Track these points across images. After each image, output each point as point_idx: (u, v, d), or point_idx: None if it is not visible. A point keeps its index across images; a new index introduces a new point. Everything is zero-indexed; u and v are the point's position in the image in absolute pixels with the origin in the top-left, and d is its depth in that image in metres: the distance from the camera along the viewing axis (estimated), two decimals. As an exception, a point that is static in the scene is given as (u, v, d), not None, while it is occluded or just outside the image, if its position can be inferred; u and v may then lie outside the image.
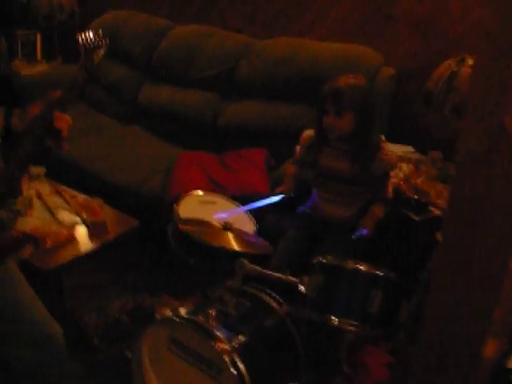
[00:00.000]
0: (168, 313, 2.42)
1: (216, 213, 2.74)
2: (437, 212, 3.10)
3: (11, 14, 5.26)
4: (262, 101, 4.09)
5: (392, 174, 3.13)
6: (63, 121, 1.91)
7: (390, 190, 3.06)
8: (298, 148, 3.19)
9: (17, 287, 2.20)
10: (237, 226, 2.56)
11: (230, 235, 2.43)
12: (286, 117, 3.95)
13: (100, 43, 2.06)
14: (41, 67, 5.27)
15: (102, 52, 2.07)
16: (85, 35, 2.04)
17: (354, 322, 2.28)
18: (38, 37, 5.38)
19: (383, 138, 3.31)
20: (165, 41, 4.66)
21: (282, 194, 3.02)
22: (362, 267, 2.34)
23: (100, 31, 2.08)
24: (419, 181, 3.31)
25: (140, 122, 4.66)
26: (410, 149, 3.67)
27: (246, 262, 2.38)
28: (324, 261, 2.36)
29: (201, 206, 2.93)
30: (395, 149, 3.44)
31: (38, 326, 2.22)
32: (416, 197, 3.12)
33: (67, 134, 1.92)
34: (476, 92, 1.45)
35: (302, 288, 2.36)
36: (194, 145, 4.20)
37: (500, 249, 1.55)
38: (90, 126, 4.46)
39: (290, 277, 2.42)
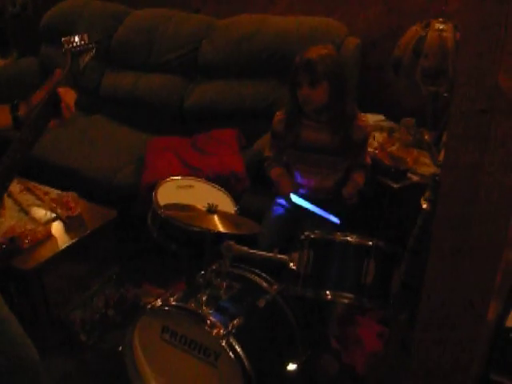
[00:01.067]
0: (158, 302, 2.37)
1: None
2: (415, 178, 3.11)
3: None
4: (227, 80, 4.04)
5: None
6: (70, 94, 1.98)
7: (367, 155, 3.04)
8: (267, 138, 3.15)
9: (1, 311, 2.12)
10: (218, 206, 2.52)
11: (216, 217, 2.38)
12: (254, 94, 3.90)
13: (86, 47, 2.07)
14: (-4, 63, 5.14)
15: (88, 57, 2.08)
16: (70, 40, 2.05)
17: (349, 295, 2.26)
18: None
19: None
20: (122, 26, 4.57)
21: (292, 193, 2.93)
22: (351, 239, 2.32)
23: (86, 35, 2.09)
24: (394, 148, 3.31)
25: (104, 111, 4.58)
26: (381, 117, 3.67)
27: (233, 243, 2.34)
28: (312, 236, 2.34)
29: (179, 191, 2.89)
30: (366, 118, 3.42)
31: (17, 347, 2.14)
32: (393, 164, 3.12)
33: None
34: (467, 53, 1.42)
35: (292, 265, 2.34)
36: (162, 130, 4.14)
37: (499, 212, 1.54)
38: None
39: (278, 255, 2.39)
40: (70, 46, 2.03)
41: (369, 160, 3.03)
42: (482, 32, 1.41)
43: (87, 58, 2.07)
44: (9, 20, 5.15)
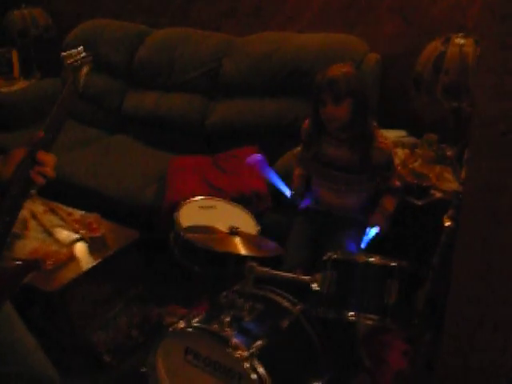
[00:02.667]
0: (180, 323, 2.37)
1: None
2: (438, 195, 3.08)
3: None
4: (248, 98, 4.05)
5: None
6: (48, 161, 1.86)
7: (396, 178, 3.02)
8: (289, 157, 3.18)
9: (14, 326, 2.13)
10: (240, 227, 2.51)
11: (238, 240, 2.38)
12: (275, 112, 3.91)
13: (84, 59, 2.04)
14: (19, 84, 5.19)
15: (86, 68, 2.04)
16: (69, 54, 2.02)
17: (372, 316, 2.25)
18: (15, 53, 5.30)
19: (374, 124, 3.29)
20: (143, 46, 4.61)
21: (292, 191, 2.98)
22: (373, 260, 2.31)
23: (81, 47, 2.06)
24: (416, 164, 3.29)
25: (127, 131, 4.62)
26: (402, 133, 3.65)
27: (255, 265, 2.34)
28: (335, 256, 2.33)
29: (201, 212, 2.89)
30: (388, 134, 3.41)
31: (34, 368, 2.15)
32: (416, 181, 3.10)
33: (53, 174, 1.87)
34: (486, 74, 1.41)
35: (315, 286, 2.32)
36: (184, 149, 4.16)
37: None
38: (76, 140, 4.40)
39: (301, 276, 2.38)
40: (71, 60, 2.00)
41: (398, 183, 3.00)
42: (502, 52, 1.40)
43: (86, 71, 2.04)
44: (32, 42, 5.22)
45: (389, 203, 2.95)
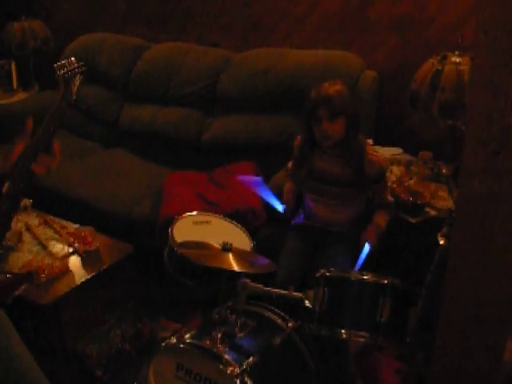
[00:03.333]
0: (172, 339, 2.37)
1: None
2: (433, 213, 3.08)
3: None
4: (245, 114, 4.05)
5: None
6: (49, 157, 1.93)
7: (388, 193, 3.02)
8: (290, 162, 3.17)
9: (9, 337, 2.12)
10: (234, 243, 2.51)
11: (231, 256, 2.38)
12: (271, 128, 3.91)
13: (76, 70, 2.05)
14: (18, 96, 5.20)
15: (78, 78, 2.06)
16: (61, 64, 2.03)
17: (364, 334, 2.24)
18: (13, 65, 5.31)
19: (370, 141, 3.30)
20: (141, 60, 4.63)
21: (284, 205, 2.99)
22: (366, 277, 2.30)
23: (73, 58, 2.07)
24: (412, 182, 3.29)
25: (123, 145, 4.62)
26: (398, 150, 3.65)
27: (248, 281, 2.33)
28: (327, 273, 2.33)
29: (196, 227, 2.88)
30: (384, 151, 3.42)
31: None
32: (411, 199, 3.10)
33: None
34: (477, 95, 1.42)
35: (307, 303, 2.32)
36: (180, 163, 4.16)
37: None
38: (72, 153, 4.39)
39: (294, 292, 2.38)
40: (63, 71, 2.02)
41: (390, 198, 3.01)
42: (494, 72, 1.40)
43: (78, 82, 2.05)
44: (31, 54, 5.23)
45: (381, 219, 2.96)
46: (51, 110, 2.00)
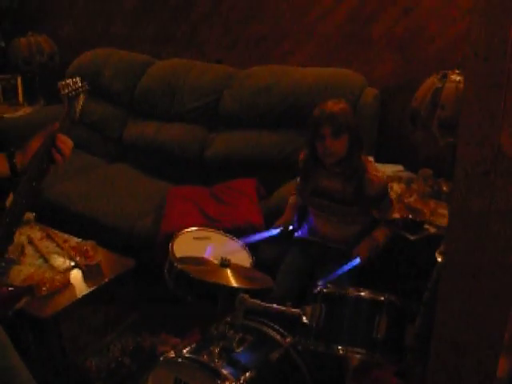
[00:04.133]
0: (171, 353, 2.38)
1: (208, 248, 2.74)
2: (432, 230, 3.10)
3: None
4: (247, 130, 4.09)
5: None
6: (66, 143, 2.06)
7: (392, 211, 3.05)
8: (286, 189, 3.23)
9: (7, 352, 2.14)
10: (233, 259, 2.53)
11: (229, 272, 2.40)
12: (273, 145, 3.94)
13: (80, 89, 2.10)
14: (23, 110, 5.24)
15: (82, 98, 2.11)
16: (65, 83, 2.08)
17: (361, 350, 2.25)
18: (19, 80, 5.36)
19: (371, 158, 3.32)
20: (145, 76, 4.67)
21: (280, 227, 3.06)
22: (363, 294, 2.32)
23: (78, 78, 2.12)
24: (412, 199, 3.31)
25: (126, 160, 4.65)
26: (399, 168, 3.67)
27: (246, 297, 2.34)
28: (325, 290, 2.34)
29: (196, 243, 2.90)
30: (385, 169, 3.44)
31: None
32: (410, 216, 3.11)
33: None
34: (469, 115, 1.44)
35: (304, 319, 2.33)
36: (182, 179, 4.19)
37: (505, 266, 1.54)
38: (76, 167, 4.42)
39: (291, 308, 2.39)
40: (67, 90, 2.07)
41: (394, 216, 3.04)
42: (485, 92, 1.43)
43: (82, 101, 2.10)
44: (37, 69, 5.28)
45: (380, 234, 2.99)
46: (53, 132, 2.04)
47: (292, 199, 3.26)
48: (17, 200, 1.97)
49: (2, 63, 5.41)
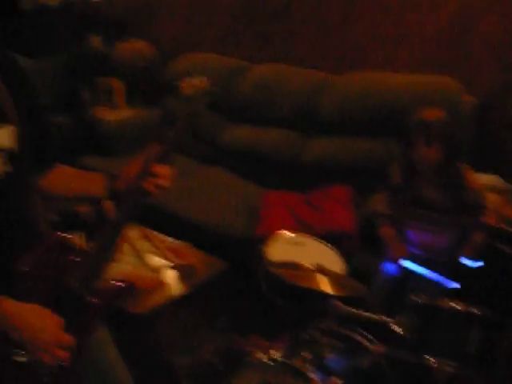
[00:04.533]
0: (261, 356, 2.40)
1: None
2: (530, 243, 3.01)
3: (94, 64, 5.44)
4: (343, 137, 4.10)
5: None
6: (163, 172, 1.83)
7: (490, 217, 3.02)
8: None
9: (106, 346, 2.16)
10: (327, 265, 2.54)
11: (323, 278, 2.41)
12: (369, 152, 3.94)
13: (204, 91, 1.89)
14: (124, 113, 5.36)
15: (205, 100, 1.89)
16: (188, 83, 1.88)
17: (453, 363, 2.22)
18: (121, 83, 5.51)
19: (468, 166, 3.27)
20: (243, 81, 4.73)
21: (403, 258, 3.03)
22: (458, 306, 2.29)
23: (205, 77, 1.92)
24: (509, 211, 3.23)
25: (223, 163, 4.70)
26: (496, 178, 3.59)
27: (339, 303, 2.36)
28: (419, 301, 2.32)
29: (290, 248, 2.92)
30: (481, 178, 3.37)
31: None
32: (508, 229, 3.04)
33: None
34: None
35: (397, 328, 2.32)
36: (278, 184, 4.21)
37: None
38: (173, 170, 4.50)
39: (384, 317, 2.39)
40: (191, 90, 1.86)
41: (487, 219, 3.00)
42: None
43: (204, 102, 1.88)
44: (138, 73, 5.43)
45: (478, 237, 2.97)
46: (170, 132, 1.86)
47: (386, 230, 3.16)
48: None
49: (103, 67, 5.57)
